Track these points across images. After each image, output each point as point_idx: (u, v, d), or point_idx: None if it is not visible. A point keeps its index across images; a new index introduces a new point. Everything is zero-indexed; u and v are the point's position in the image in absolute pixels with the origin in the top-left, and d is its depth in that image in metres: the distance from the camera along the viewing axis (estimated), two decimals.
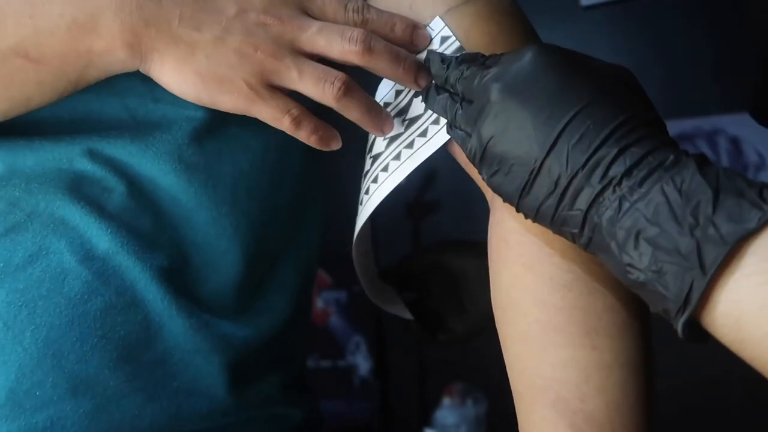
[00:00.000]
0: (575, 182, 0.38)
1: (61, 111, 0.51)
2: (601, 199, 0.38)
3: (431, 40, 0.51)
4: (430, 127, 0.51)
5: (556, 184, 0.39)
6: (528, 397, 0.46)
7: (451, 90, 0.47)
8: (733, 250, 0.34)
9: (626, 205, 0.37)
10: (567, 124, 0.39)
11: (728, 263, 0.34)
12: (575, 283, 0.45)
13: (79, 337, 0.52)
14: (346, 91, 0.48)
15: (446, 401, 2.41)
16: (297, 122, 0.48)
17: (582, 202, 0.38)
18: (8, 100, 0.47)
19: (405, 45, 0.50)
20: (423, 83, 0.50)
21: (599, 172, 0.38)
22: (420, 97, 0.52)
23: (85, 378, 0.52)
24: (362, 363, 2.68)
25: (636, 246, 0.36)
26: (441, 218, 2.67)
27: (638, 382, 0.44)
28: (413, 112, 0.52)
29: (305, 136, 0.49)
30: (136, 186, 0.53)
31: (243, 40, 0.46)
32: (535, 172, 0.40)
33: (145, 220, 0.54)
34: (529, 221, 0.44)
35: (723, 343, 0.37)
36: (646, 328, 0.46)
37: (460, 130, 0.45)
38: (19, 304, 0.51)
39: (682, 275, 0.35)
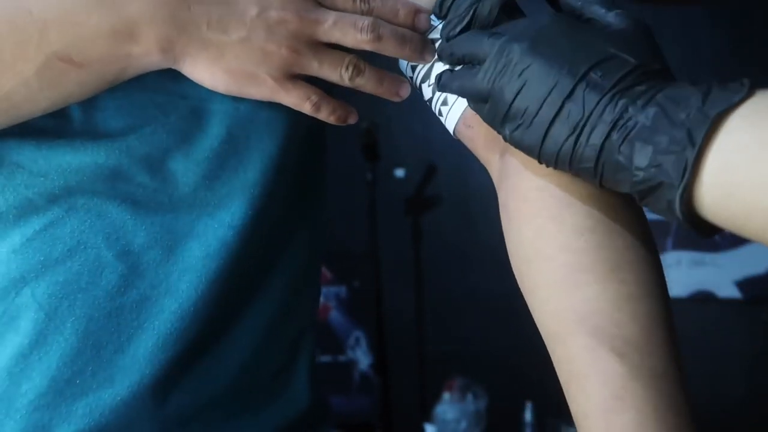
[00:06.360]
0: (590, 121, 0.43)
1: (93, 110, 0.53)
2: (612, 132, 0.43)
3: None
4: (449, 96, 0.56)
5: (574, 127, 0.44)
6: (563, 332, 0.49)
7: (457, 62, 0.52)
8: (719, 122, 0.39)
9: (631, 122, 0.42)
10: (584, 74, 0.44)
11: (715, 135, 0.39)
12: (597, 226, 0.49)
13: (117, 328, 0.55)
14: (357, 72, 0.54)
15: (446, 396, 2.42)
16: (317, 106, 0.54)
17: (596, 137, 0.43)
18: (49, 99, 0.51)
19: (408, 28, 0.55)
20: (430, 58, 0.56)
21: (609, 109, 0.43)
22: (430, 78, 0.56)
23: (122, 367, 0.54)
24: (362, 358, 2.69)
25: (638, 150, 0.41)
26: (440, 213, 2.69)
27: (663, 310, 0.48)
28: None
29: (324, 116, 0.54)
30: (169, 181, 0.56)
31: (266, 38, 0.51)
32: (553, 120, 0.44)
33: (178, 213, 0.56)
34: (547, 176, 0.50)
35: (723, 225, 0.40)
36: (660, 264, 0.50)
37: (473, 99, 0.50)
38: (60, 296, 0.54)
39: (678, 159, 0.39)
